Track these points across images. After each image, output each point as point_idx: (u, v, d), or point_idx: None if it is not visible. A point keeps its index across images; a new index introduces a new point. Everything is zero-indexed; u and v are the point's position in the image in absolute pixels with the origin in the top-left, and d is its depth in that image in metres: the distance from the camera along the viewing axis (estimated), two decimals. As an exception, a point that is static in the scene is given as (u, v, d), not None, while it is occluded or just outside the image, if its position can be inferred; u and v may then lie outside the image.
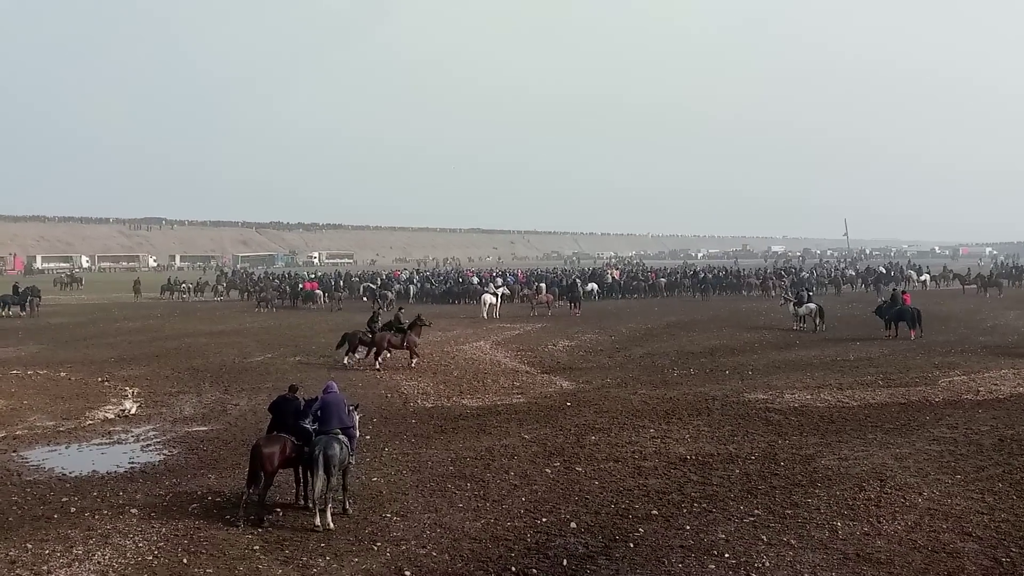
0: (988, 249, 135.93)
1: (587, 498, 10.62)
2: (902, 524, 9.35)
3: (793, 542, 8.90)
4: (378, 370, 21.66)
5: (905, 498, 10.22)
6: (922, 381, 18.51)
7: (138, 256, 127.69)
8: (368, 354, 22.58)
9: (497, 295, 39.84)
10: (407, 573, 8.34)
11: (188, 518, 9.98)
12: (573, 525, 9.62)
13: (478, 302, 39.49)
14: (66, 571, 8.45)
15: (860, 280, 56.54)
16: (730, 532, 9.25)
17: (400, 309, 25.25)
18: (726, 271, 60.57)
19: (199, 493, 11.04)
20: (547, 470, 11.93)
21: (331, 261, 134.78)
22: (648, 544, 8.99)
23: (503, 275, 57.42)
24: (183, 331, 32.66)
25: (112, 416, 16.55)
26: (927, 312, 28.75)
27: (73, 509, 10.45)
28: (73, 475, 12.22)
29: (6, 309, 39.23)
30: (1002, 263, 74.63)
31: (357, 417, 11.45)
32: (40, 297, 41.95)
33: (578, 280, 47.62)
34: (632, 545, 8.97)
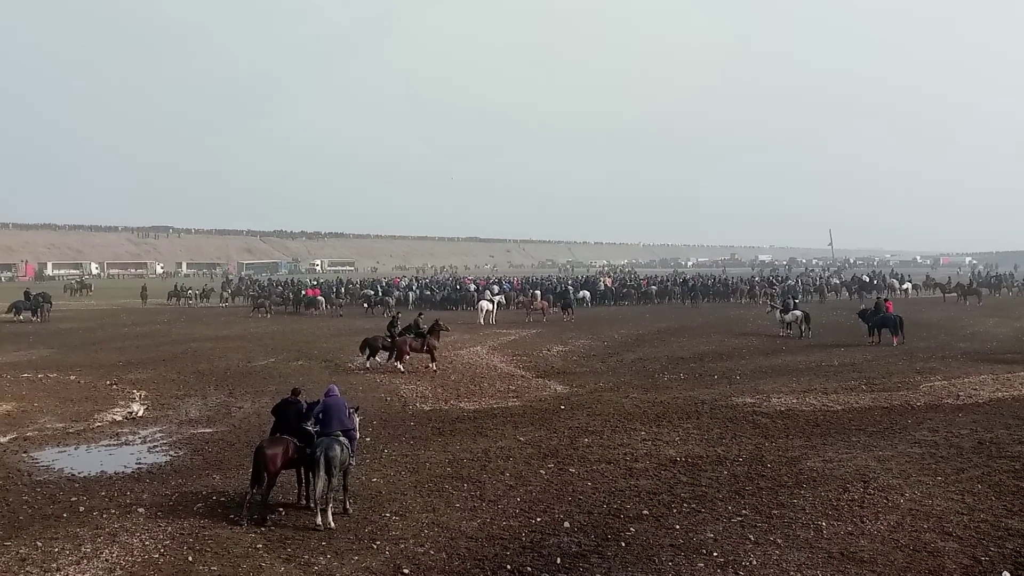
0: (968, 259, 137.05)
1: (580, 498, 10.80)
2: (885, 524, 9.53)
3: (779, 541, 9.09)
4: (403, 372, 22.04)
5: (888, 499, 10.42)
6: (904, 386, 18.77)
7: (146, 263, 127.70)
8: (389, 358, 22.90)
9: (493, 302, 40.16)
10: (406, 571, 8.51)
11: (193, 517, 10.16)
12: (567, 524, 9.80)
13: (475, 308, 39.84)
14: (75, 568, 8.62)
15: (845, 288, 57.44)
16: (718, 531, 9.44)
17: (420, 314, 25.62)
18: (715, 279, 61.46)
19: (204, 493, 11.22)
20: (541, 471, 12.13)
21: (333, 269, 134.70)
22: (639, 543, 9.17)
23: (499, 282, 57.70)
24: (189, 336, 32.87)
25: (120, 418, 16.74)
26: (909, 319, 29.28)
27: (82, 508, 10.64)
28: (82, 475, 12.39)
29: (19, 315, 39.56)
30: (980, 272, 75.41)
31: (357, 419, 11.66)
32: (51, 303, 42.35)
33: (570, 287, 48.59)
34: (624, 544, 9.15)
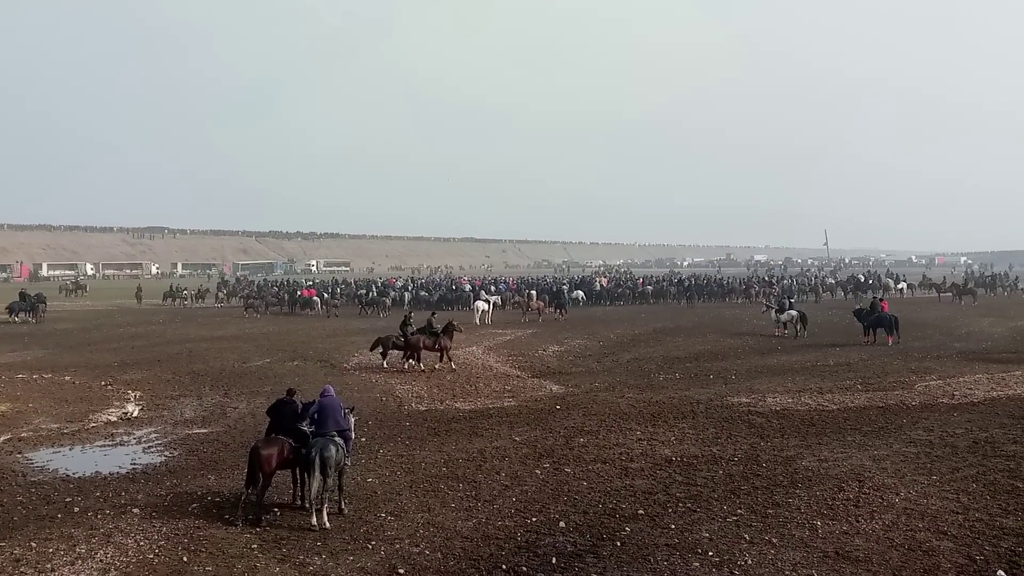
0: (963, 259, 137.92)
1: (576, 498, 10.81)
2: (880, 523, 9.54)
3: (775, 540, 9.10)
4: (422, 370, 22.22)
5: (883, 498, 10.43)
6: (899, 385, 18.79)
7: (141, 264, 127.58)
8: (404, 357, 22.94)
9: (489, 302, 40.19)
10: (401, 571, 8.51)
11: (188, 517, 10.15)
12: (562, 524, 9.81)
13: (471, 309, 39.83)
14: (69, 569, 8.60)
15: (840, 288, 57.53)
16: (714, 531, 9.45)
17: (433, 314, 25.71)
18: (710, 279, 61.46)
19: (199, 493, 11.22)
20: (537, 471, 12.14)
21: (329, 269, 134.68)
22: (635, 542, 9.17)
23: (495, 283, 57.73)
24: (184, 336, 32.84)
25: (115, 419, 16.73)
26: (904, 319, 29.28)
27: (76, 509, 10.62)
28: (76, 476, 12.38)
29: (17, 316, 39.61)
30: (975, 272, 75.66)
31: (353, 420, 11.67)
32: (46, 303, 42.33)
33: (564, 287, 49.02)
34: (619, 543, 9.15)
